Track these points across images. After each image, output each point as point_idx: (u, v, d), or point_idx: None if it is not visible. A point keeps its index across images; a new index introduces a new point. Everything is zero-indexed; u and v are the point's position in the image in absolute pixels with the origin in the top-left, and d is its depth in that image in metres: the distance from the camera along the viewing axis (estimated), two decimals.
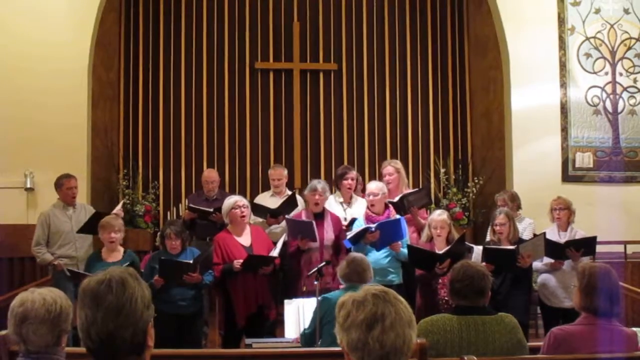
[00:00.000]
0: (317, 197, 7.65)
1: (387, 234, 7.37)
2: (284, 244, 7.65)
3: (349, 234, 7.43)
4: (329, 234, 7.59)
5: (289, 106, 11.21)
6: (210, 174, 9.24)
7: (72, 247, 8.13)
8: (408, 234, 7.69)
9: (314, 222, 7.48)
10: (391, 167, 8.43)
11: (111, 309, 2.25)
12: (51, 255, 8.09)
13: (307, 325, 6.08)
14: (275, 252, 7.34)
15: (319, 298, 5.99)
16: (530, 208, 8.64)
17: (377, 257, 7.43)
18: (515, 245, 7.22)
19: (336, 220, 7.82)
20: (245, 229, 7.55)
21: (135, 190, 10.59)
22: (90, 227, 7.81)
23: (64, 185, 8.29)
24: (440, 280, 6.96)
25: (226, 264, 7.27)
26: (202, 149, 11.11)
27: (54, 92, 9.47)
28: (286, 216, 8.03)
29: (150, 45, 11.17)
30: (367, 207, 7.78)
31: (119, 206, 8.56)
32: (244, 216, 7.51)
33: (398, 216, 7.63)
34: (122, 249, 7.40)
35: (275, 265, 7.41)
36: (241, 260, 7.17)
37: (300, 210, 8.07)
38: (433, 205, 9.96)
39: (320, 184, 7.76)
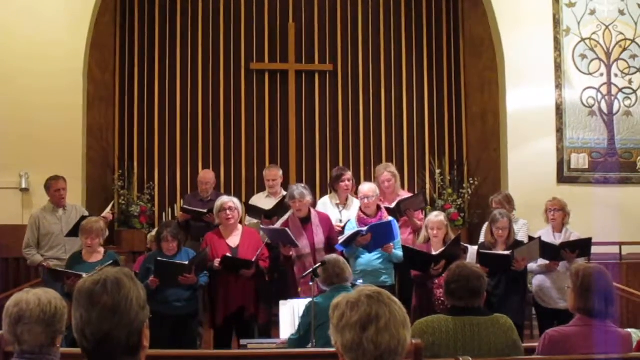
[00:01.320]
0: (297, 204, 7.60)
1: (378, 236, 7.37)
2: (272, 247, 7.66)
3: (341, 238, 7.43)
4: (318, 237, 7.55)
5: (285, 107, 11.20)
6: (205, 175, 9.23)
7: (62, 249, 8.11)
8: (400, 236, 7.70)
9: (287, 229, 7.44)
10: (388, 173, 8.42)
11: (106, 309, 2.23)
12: (41, 257, 8.09)
13: (294, 331, 6.10)
14: (254, 257, 7.34)
15: (307, 302, 6.00)
16: (525, 209, 8.64)
17: (369, 258, 7.45)
18: (511, 250, 7.23)
19: (325, 219, 7.77)
20: (236, 231, 7.57)
21: (130, 191, 10.57)
22: (78, 230, 7.80)
23: (51, 187, 8.26)
24: (436, 281, 6.98)
25: (209, 263, 7.31)
26: (197, 150, 11.09)
27: (49, 93, 9.46)
28: (261, 226, 8.01)
29: (145, 46, 11.14)
30: (360, 209, 7.77)
31: (108, 209, 8.54)
32: (229, 219, 7.50)
33: (390, 218, 7.63)
34: (102, 250, 7.39)
35: (261, 269, 7.43)
36: (219, 260, 7.21)
37: (287, 218, 8.00)
38: (429, 207, 9.96)
39: (297, 190, 7.66)
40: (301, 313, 6.14)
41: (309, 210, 7.71)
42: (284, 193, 8.77)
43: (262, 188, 9.59)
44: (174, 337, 6.95)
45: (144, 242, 9.97)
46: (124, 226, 10.22)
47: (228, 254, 7.28)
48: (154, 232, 8.18)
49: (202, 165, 10.86)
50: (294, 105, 11.14)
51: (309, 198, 7.73)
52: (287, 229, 7.44)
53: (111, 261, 7.02)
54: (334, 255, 6.32)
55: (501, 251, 7.34)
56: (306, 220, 7.62)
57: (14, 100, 9.39)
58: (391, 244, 7.42)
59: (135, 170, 10.83)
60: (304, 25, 11.36)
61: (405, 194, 8.60)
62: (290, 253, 7.47)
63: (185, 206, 8.75)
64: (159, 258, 7.15)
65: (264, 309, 7.72)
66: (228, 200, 7.63)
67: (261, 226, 8.13)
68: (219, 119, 11.16)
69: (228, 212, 7.49)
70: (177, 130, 11.09)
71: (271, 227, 7.84)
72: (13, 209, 9.30)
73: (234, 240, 7.50)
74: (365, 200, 7.65)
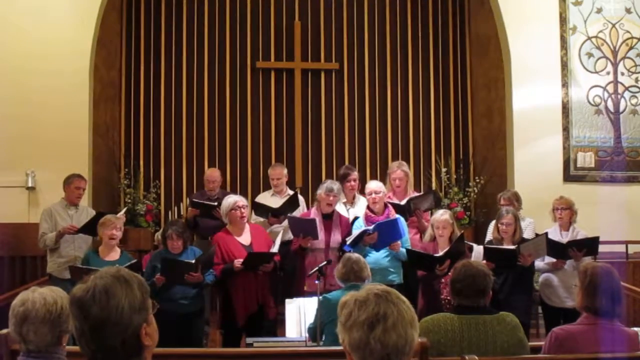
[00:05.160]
0: (331, 197, 7.61)
1: (385, 234, 7.37)
2: (284, 242, 7.64)
3: (348, 239, 7.42)
4: (335, 236, 7.58)
5: (290, 105, 11.21)
6: (212, 174, 9.23)
7: (71, 246, 8.11)
8: (408, 234, 7.69)
9: (317, 220, 7.48)
10: (401, 171, 8.42)
11: (97, 322, 2.21)
12: (53, 233, 8.07)
13: (311, 321, 6.12)
14: (274, 248, 7.34)
15: (320, 298, 6.00)
16: (531, 208, 8.63)
17: (377, 257, 7.44)
18: (516, 245, 7.23)
19: (345, 222, 7.80)
20: (245, 228, 7.57)
21: (136, 190, 10.58)
22: (91, 227, 7.80)
23: (73, 183, 8.27)
24: (442, 280, 6.95)
25: (227, 264, 7.28)
26: (203, 148, 11.10)
27: (55, 91, 9.47)
28: (289, 214, 8.00)
29: (151, 44, 11.16)
30: (367, 207, 7.77)
31: (122, 212, 8.55)
32: (243, 217, 7.52)
33: (396, 216, 7.63)
34: (119, 250, 7.42)
35: (276, 262, 7.42)
36: (241, 260, 7.18)
37: (308, 210, 8.02)
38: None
39: (335, 185, 7.73)
40: (308, 311, 6.14)
41: (334, 209, 7.75)
42: (290, 192, 8.78)
43: (267, 186, 9.60)
44: (180, 335, 6.95)
45: (150, 241, 10.01)
46: (130, 224, 10.20)
47: (253, 251, 7.29)
48: (160, 234, 8.23)
49: (208, 163, 10.87)
50: (300, 103, 11.15)
51: (340, 196, 7.83)
52: (316, 219, 7.47)
53: (128, 264, 7.04)
54: (355, 254, 6.32)
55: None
56: (327, 217, 7.65)
57: (20, 99, 9.39)
58: (398, 242, 7.42)
59: (141, 169, 10.85)
60: (310, 24, 11.37)
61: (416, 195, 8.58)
62: (309, 245, 7.47)
63: (194, 199, 8.74)
64: (164, 256, 7.16)
65: (275, 305, 7.72)
66: (239, 199, 7.64)
67: (275, 231, 8.14)
68: (225, 118, 11.17)
69: (242, 210, 7.51)
70: (183, 129, 11.11)
71: (298, 216, 7.87)
72: (19, 207, 9.30)
73: (245, 238, 7.49)
74: (374, 196, 7.66)
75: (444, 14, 11.59)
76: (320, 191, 7.74)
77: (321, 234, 7.52)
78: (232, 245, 7.38)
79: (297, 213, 8.25)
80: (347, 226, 7.76)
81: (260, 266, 7.27)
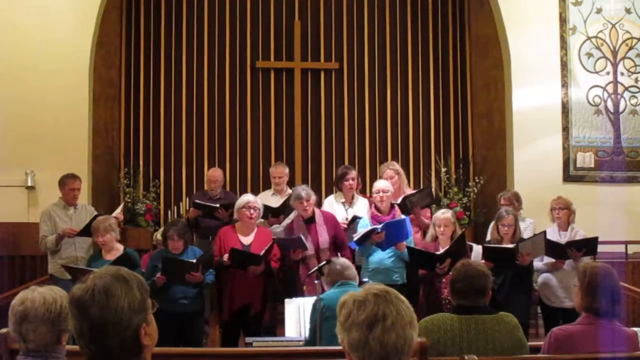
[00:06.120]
0: (304, 204, 7.60)
1: (392, 234, 7.37)
2: (281, 246, 7.65)
3: (355, 236, 7.41)
4: (322, 237, 7.55)
5: (290, 105, 11.20)
6: (214, 173, 9.20)
7: (72, 247, 8.11)
8: (412, 234, 7.69)
9: (302, 236, 7.45)
10: (391, 170, 8.41)
11: (96, 322, 2.21)
12: (53, 236, 8.08)
13: (307, 331, 6.11)
14: (262, 252, 7.32)
15: (315, 299, 6.00)
16: (531, 208, 8.63)
17: (381, 257, 7.45)
18: (515, 244, 7.24)
19: (330, 218, 7.78)
20: (253, 230, 7.56)
21: (136, 189, 10.58)
22: (90, 230, 7.81)
23: (67, 185, 8.28)
24: (443, 280, 6.97)
25: (219, 258, 7.33)
26: (203, 148, 11.09)
27: (55, 91, 9.47)
28: (274, 238, 7.98)
29: (151, 43, 11.15)
30: (373, 207, 7.76)
31: (119, 209, 8.55)
32: (251, 218, 7.51)
33: (403, 216, 7.63)
34: (120, 247, 7.43)
35: (270, 267, 7.41)
36: (227, 255, 7.22)
37: (290, 222, 7.96)
38: (434, 205, 9.95)
39: (304, 190, 7.67)
40: (307, 311, 6.15)
41: (313, 210, 7.71)
42: (290, 191, 8.75)
43: (267, 186, 9.60)
44: (180, 335, 6.96)
45: (149, 240, 10.00)
46: (130, 224, 10.22)
47: (235, 248, 7.28)
48: (159, 234, 8.23)
49: (208, 163, 10.86)
50: (300, 103, 11.14)
51: (314, 197, 7.75)
52: (302, 235, 7.43)
53: (118, 255, 7.07)
54: (342, 259, 6.31)
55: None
56: (310, 221, 7.62)
57: (20, 99, 9.39)
58: (404, 243, 7.42)
59: (141, 168, 10.84)
60: (309, 24, 11.36)
61: (411, 192, 8.57)
62: (300, 256, 7.46)
63: (197, 201, 8.73)
64: (166, 255, 7.17)
65: (270, 308, 7.72)
66: (253, 200, 7.64)
67: (275, 231, 8.11)
68: (225, 117, 11.17)
69: (252, 210, 7.50)
70: (183, 128, 11.10)
71: (284, 236, 7.84)
72: (19, 206, 9.30)
73: (248, 238, 7.50)
74: (381, 194, 7.65)
75: (444, 14, 11.58)
76: (292, 201, 7.76)
77: (308, 242, 7.50)
78: (232, 241, 7.40)
79: (295, 213, 8.23)
80: (331, 220, 7.74)
81: (249, 267, 7.27)
